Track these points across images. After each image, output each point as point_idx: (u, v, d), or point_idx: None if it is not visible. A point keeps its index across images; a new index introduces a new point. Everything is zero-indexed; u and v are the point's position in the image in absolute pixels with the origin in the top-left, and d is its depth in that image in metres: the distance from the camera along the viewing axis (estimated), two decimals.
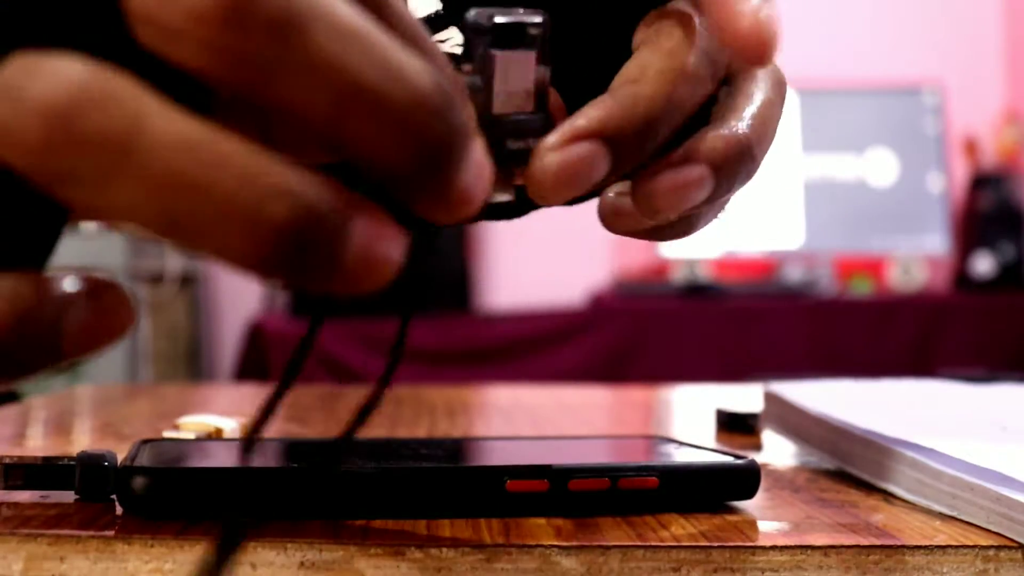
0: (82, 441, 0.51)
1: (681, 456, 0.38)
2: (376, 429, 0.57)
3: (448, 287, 2.44)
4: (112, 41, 0.19)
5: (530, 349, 2.28)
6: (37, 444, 0.50)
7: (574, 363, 2.23)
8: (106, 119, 0.18)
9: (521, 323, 2.35)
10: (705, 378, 1.02)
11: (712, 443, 0.50)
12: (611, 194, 0.31)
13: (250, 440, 0.22)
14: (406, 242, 0.20)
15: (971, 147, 2.73)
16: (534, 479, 0.34)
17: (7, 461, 0.34)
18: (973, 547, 0.31)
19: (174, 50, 0.18)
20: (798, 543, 0.31)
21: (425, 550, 0.30)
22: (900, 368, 1.83)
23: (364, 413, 0.24)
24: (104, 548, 0.29)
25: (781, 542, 0.31)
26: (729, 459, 0.37)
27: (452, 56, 0.32)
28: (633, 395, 0.82)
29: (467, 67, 0.28)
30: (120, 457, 0.34)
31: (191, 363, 2.82)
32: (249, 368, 2.28)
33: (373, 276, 0.20)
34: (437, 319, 2.27)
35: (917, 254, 2.60)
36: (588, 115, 0.28)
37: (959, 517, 0.35)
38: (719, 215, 0.33)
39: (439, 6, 0.34)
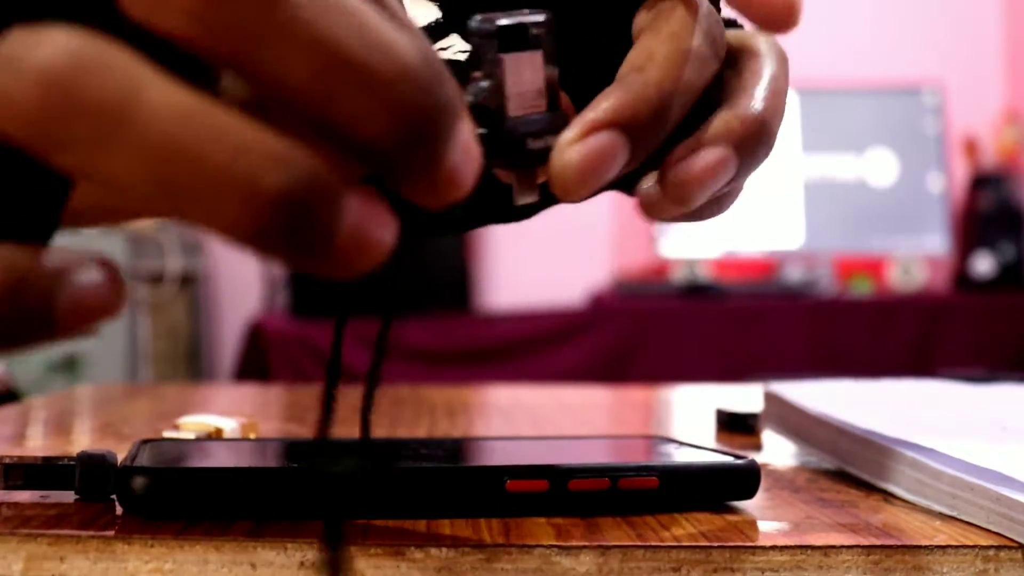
0: (82, 441, 0.51)
1: (681, 456, 0.38)
2: (376, 429, 0.57)
3: (448, 287, 2.43)
4: (109, 16, 0.19)
5: (530, 349, 2.28)
6: (37, 444, 0.50)
7: (574, 363, 2.23)
8: (103, 87, 0.18)
9: (521, 323, 2.35)
10: (705, 378, 1.02)
11: (712, 443, 0.50)
12: (646, 186, 0.32)
13: (325, 441, 0.23)
14: (397, 228, 0.20)
15: (971, 147, 2.74)
16: (534, 479, 0.34)
17: (7, 461, 0.34)
18: (973, 547, 0.31)
19: (160, 20, 0.19)
20: (798, 543, 0.31)
21: (425, 550, 0.30)
22: (900, 368, 1.83)
23: (366, 411, 0.24)
24: (104, 548, 0.29)
25: (781, 542, 0.31)
26: (729, 459, 0.37)
27: (455, 63, 0.32)
28: (633, 395, 0.82)
29: (476, 74, 0.28)
30: (120, 457, 0.34)
31: (191, 363, 2.82)
32: (249, 368, 2.28)
33: (364, 257, 0.20)
34: (437, 319, 2.27)
35: (917, 254, 2.60)
36: (601, 106, 0.29)
37: (959, 517, 0.35)
38: (743, 191, 0.34)
39: (439, 15, 0.34)
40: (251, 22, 0.18)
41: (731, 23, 0.34)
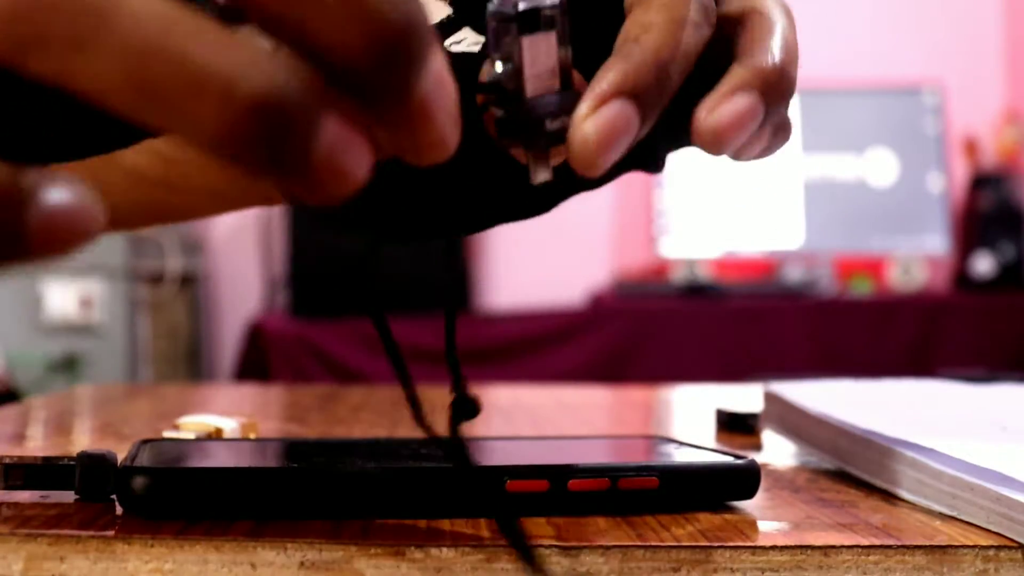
0: (82, 441, 0.51)
1: (681, 456, 0.38)
2: (376, 429, 0.57)
3: (446, 289, 2.43)
4: None
5: (530, 349, 2.28)
6: (37, 444, 0.50)
7: (574, 363, 2.23)
8: None
9: (521, 323, 2.35)
10: (705, 378, 1.03)
11: (712, 443, 0.50)
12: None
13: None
14: (372, 161, 0.20)
15: (971, 147, 2.73)
16: (534, 479, 0.34)
17: (7, 461, 0.34)
18: (973, 547, 0.31)
19: None
20: (798, 543, 0.31)
21: (425, 550, 0.30)
22: (900, 368, 1.83)
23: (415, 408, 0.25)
24: (104, 548, 0.29)
25: (781, 542, 0.31)
26: (729, 459, 0.37)
27: (468, 56, 0.33)
28: (633, 395, 0.82)
29: (494, 56, 0.29)
30: (120, 457, 0.34)
31: (191, 363, 2.82)
32: (249, 368, 2.28)
33: (338, 182, 0.20)
34: (436, 319, 2.27)
35: (917, 254, 2.60)
36: (605, 78, 0.29)
37: (959, 517, 0.35)
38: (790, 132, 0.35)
39: (450, 11, 0.34)
40: None
41: None
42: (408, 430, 0.55)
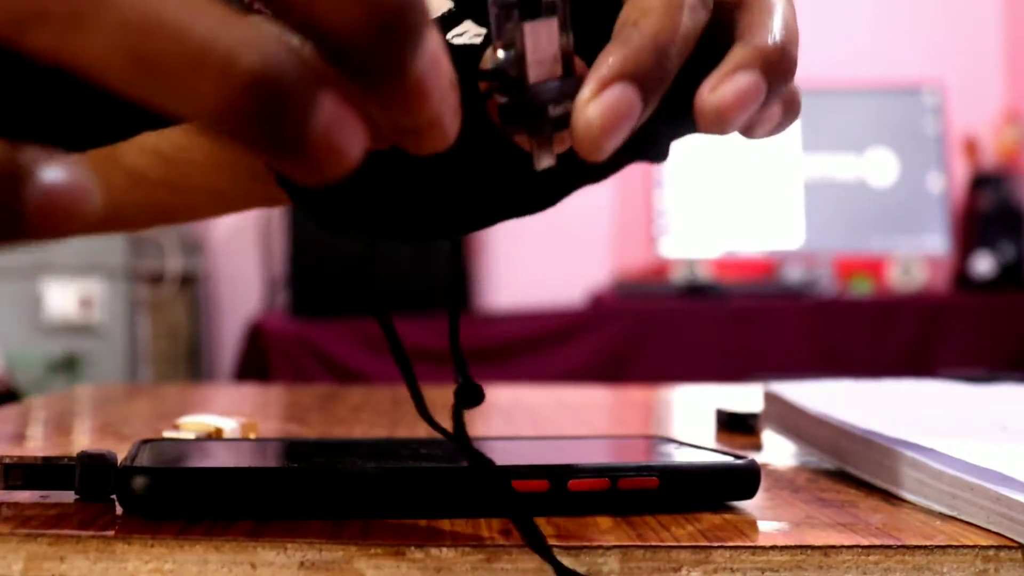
0: (82, 441, 0.51)
1: (681, 456, 0.38)
2: (376, 429, 0.57)
3: (448, 287, 2.43)
4: None
5: (530, 349, 2.28)
6: (37, 444, 0.50)
7: (574, 363, 2.23)
8: None
9: (521, 323, 2.35)
10: (705, 378, 1.03)
11: (712, 443, 0.50)
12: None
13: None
14: (367, 142, 0.20)
15: (971, 147, 2.73)
16: (534, 479, 0.34)
17: (7, 461, 0.34)
18: (973, 547, 0.31)
19: None
20: (798, 543, 0.31)
21: (425, 550, 0.30)
22: (900, 368, 1.83)
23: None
24: (104, 548, 0.29)
25: (781, 542, 0.31)
26: (729, 459, 0.37)
27: (470, 48, 0.33)
28: (633, 395, 0.82)
29: (497, 44, 0.29)
30: (120, 457, 0.34)
31: (191, 363, 2.82)
32: (249, 368, 2.27)
33: (334, 160, 0.20)
34: (437, 319, 2.27)
35: (917, 254, 2.60)
36: (606, 63, 0.29)
37: (959, 517, 0.35)
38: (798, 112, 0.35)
39: (451, 4, 0.34)
40: None
41: None
42: (408, 430, 0.55)
